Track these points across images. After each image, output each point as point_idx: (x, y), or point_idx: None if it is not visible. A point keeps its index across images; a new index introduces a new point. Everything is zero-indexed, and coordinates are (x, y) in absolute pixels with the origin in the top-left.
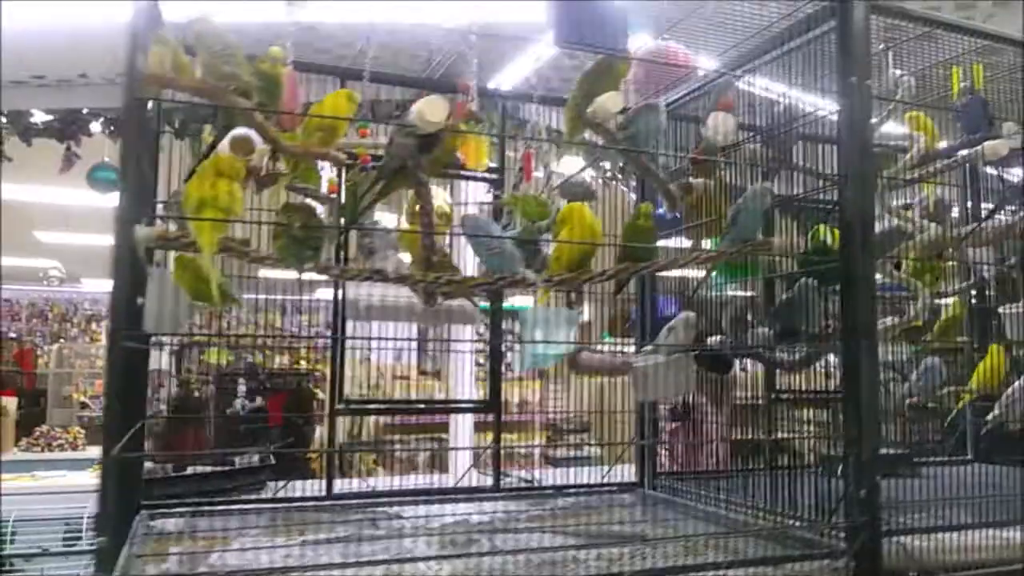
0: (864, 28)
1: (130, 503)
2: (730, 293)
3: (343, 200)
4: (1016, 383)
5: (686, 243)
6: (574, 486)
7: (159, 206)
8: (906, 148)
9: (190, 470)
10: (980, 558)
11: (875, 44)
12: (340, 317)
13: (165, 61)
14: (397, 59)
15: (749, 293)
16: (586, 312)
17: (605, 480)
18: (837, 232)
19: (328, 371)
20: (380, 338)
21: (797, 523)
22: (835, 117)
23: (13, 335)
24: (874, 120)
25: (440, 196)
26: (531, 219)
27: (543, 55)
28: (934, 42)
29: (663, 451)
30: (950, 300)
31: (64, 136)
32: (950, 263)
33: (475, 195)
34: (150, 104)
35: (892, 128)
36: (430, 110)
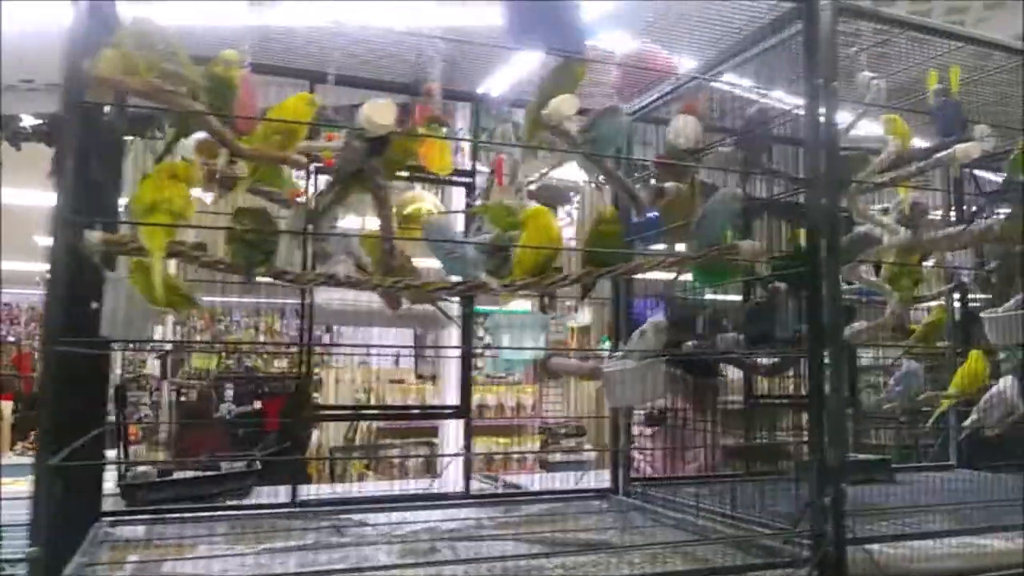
0: (831, 30)
1: (86, 510)
2: (709, 297)
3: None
4: (993, 388)
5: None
6: (547, 492)
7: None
8: (879, 151)
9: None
10: (951, 567)
11: (849, 47)
12: (309, 323)
13: (116, 63)
14: (387, 64)
15: (731, 297)
16: (587, 316)
17: (579, 486)
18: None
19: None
20: (346, 344)
21: (767, 531)
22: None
23: (12, 339)
24: (844, 123)
25: (430, 200)
26: (503, 228)
27: (534, 58)
28: (923, 45)
29: (640, 457)
30: (928, 304)
31: (52, 140)
32: (928, 267)
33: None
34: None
35: (868, 131)
36: (377, 113)
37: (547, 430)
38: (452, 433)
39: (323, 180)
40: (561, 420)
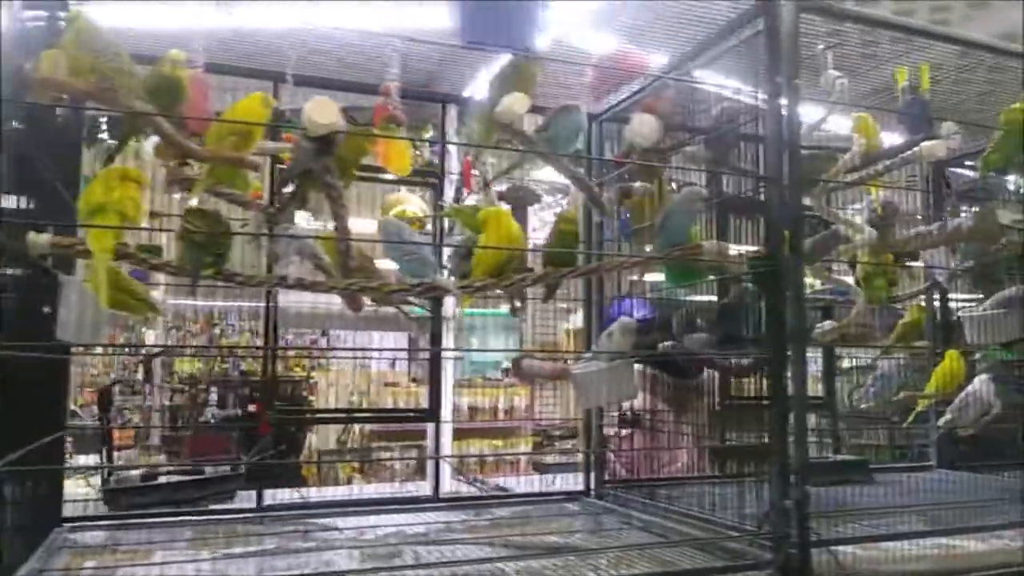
0: (792, 26)
1: (43, 516)
2: (693, 297)
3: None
4: (967, 388)
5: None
6: (519, 495)
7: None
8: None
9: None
10: (921, 568)
11: (816, 45)
12: (274, 326)
13: (60, 64)
14: (359, 65)
15: (710, 297)
16: (580, 318)
17: (552, 488)
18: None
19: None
20: (309, 347)
21: (733, 533)
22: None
23: None
24: (811, 121)
25: (415, 203)
26: (473, 230)
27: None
28: (906, 45)
29: (613, 459)
30: (902, 304)
31: None
32: (898, 267)
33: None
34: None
35: (837, 129)
36: (318, 111)
37: (542, 432)
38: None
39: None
40: (545, 422)
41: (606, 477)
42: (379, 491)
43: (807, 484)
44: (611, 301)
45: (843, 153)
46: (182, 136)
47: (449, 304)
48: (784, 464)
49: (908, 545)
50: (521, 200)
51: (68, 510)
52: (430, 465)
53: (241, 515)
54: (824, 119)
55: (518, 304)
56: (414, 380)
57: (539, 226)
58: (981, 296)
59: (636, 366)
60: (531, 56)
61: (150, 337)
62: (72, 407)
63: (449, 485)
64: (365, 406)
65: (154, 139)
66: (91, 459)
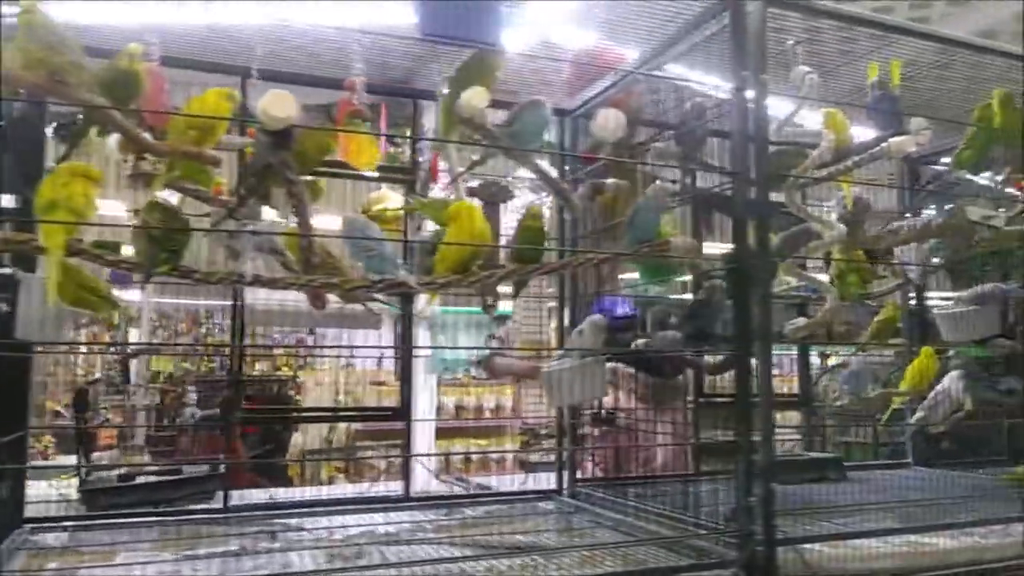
0: (760, 20)
1: (2, 517)
2: (669, 295)
3: None
4: (938, 386)
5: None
6: (491, 494)
7: None
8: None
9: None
10: (888, 566)
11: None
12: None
13: (15, 58)
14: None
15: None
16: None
17: (525, 487)
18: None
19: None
20: (269, 346)
21: (701, 531)
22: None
23: None
24: (776, 117)
25: (397, 200)
26: (440, 223)
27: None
28: (884, 41)
29: (588, 457)
30: (877, 302)
31: None
32: (875, 263)
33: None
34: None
35: (810, 126)
36: (274, 105)
37: (529, 430)
38: (422, 435)
39: None
40: (532, 420)
41: (579, 476)
42: (351, 491)
43: (773, 482)
44: (594, 299)
45: (813, 149)
46: (140, 130)
47: (422, 301)
48: (749, 462)
49: (876, 543)
50: (494, 197)
51: (31, 511)
52: (425, 462)
53: (210, 516)
54: (793, 114)
55: (490, 301)
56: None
57: (514, 223)
58: (956, 293)
59: (615, 365)
60: (490, 49)
61: (134, 336)
62: (57, 408)
63: (425, 484)
64: (351, 405)
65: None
66: (71, 459)
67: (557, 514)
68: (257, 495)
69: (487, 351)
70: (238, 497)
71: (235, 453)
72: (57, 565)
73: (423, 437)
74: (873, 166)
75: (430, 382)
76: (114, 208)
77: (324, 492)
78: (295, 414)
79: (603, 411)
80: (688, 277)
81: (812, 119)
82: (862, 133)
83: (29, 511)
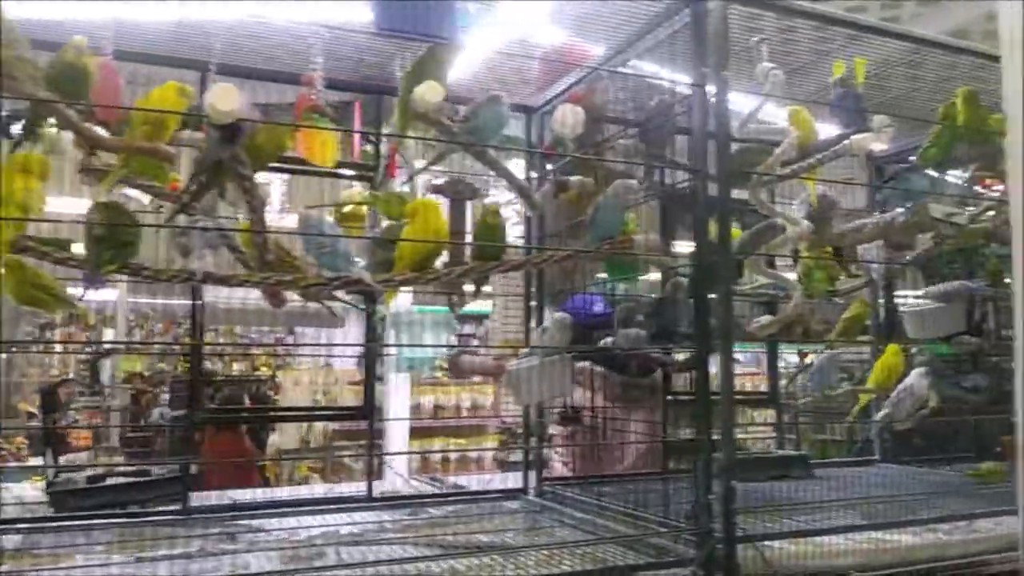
0: (720, 18)
1: None
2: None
3: None
4: (903, 382)
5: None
6: (456, 493)
7: None
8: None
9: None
10: (849, 563)
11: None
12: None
13: None
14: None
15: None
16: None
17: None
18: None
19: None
20: (237, 343)
21: (662, 529)
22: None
23: None
24: (740, 113)
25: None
26: (394, 218)
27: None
28: (858, 42)
29: (555, 456)
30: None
31: None
32: (841, 261)
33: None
34: None
35: (776, 123)
36: (220, 99)
37: (506, 429)
38: (396, 434)
39: None
40: (510, 420)
41: (545, 475)
42: (318, 492)
43: (733, 479)
44: (568, 297)
45: (777, 146)
46: (89, 125)
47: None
48: (708, 460)
49: (838, 539)
50: (460, 194)
51: None
52: (400, 461)
53: (172, 517)
54: (756, 111)
55: (455, 299)
56: (379, 379)
57: None
58: (923, 291)
59: (584, 363)
60: (443, 43)
61: (109, 336)
62: (30, 409)
63: (400, 484)
64: (328, 404)
65: None
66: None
67: (522, 513)
68: (218, 497)
69: (455, 350)
70: (203, 499)
71: (246, 452)
72: (9, 568)
73: (398, 437)
74: (847, 165)
75: (404, 381)
76: (75, 205)
77: (287, 493)
78: (260, 414)
79: (570, 409)
80: (658, 275)
81: (782, 117)
82: (828, 131)
83: None
